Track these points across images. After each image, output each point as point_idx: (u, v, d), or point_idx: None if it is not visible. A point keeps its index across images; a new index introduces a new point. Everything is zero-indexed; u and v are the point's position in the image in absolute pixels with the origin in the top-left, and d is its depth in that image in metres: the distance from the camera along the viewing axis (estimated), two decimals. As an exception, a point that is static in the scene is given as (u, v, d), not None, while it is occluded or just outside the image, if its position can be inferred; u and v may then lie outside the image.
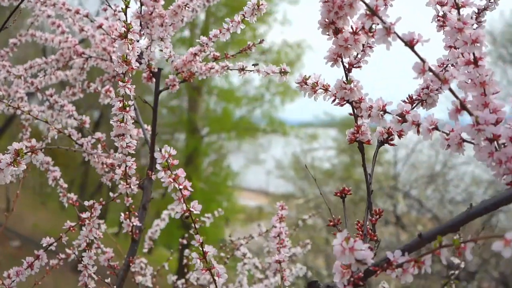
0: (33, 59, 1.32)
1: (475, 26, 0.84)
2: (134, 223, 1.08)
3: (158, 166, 0.70)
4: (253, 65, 1.05)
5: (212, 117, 11.51)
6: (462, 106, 0.59)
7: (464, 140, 0.62)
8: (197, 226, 0.75)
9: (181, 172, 0.71)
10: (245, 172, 12.21)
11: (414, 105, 0.79)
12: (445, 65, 0.81)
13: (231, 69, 1.08)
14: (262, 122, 11.78)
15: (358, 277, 0.61)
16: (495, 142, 0.59)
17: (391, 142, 0.76)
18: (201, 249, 0.74)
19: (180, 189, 0.71)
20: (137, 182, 1.02)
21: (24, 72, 1.28)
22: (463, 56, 0.63)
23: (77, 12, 1.18)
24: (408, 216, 6.84)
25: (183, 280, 1.54)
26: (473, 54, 0.61)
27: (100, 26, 1.12)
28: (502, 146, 0.60)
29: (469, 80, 0.64)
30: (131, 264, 1.10)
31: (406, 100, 0.79)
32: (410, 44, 0.58)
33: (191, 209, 0.72)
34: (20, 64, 1.34)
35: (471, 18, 0.83)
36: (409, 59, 0.63)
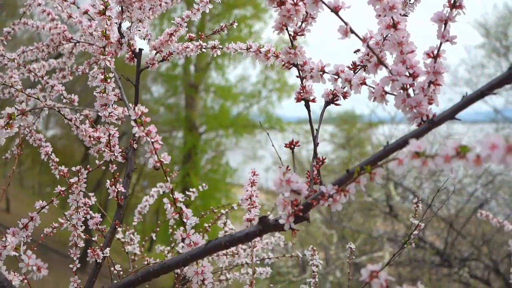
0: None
1: (412, 1, 0.95)
2: (119, 189, 1.19)
3: (132, 122, 0.81)
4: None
5: (210, 115, 11.59)
6: (379, 61, 0.70)
7: (386, 92, 0.74)
8: (169, 179, 0.86)
9: (152, 128, 0.82)
10: (243, 168, 12.30)
11: (357, 70, 0.90)
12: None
13: (205, 48, 1.19)
14: (259, 118, 11.88)
15: (299, 210, 0.72)
16: (408, 91, 0.70)
17: (337, 103, 0.88)
18: (171, 195, 0.85)
19: (152, 142, 0.82)
20: (120, 150, 1.13)
21: (17, 57, 1.39)
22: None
23: (64, -1, 1.29)
24: (402, 208, 6.97)
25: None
26: (392, 18, 0.72)
27: (86, 12, 1.23)
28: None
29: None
30: (117, 227, 1.22)
31: (350, 66, 0.90)
32: (335, 10, 0.69)
33: (162, 159, 0.83)
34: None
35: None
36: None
